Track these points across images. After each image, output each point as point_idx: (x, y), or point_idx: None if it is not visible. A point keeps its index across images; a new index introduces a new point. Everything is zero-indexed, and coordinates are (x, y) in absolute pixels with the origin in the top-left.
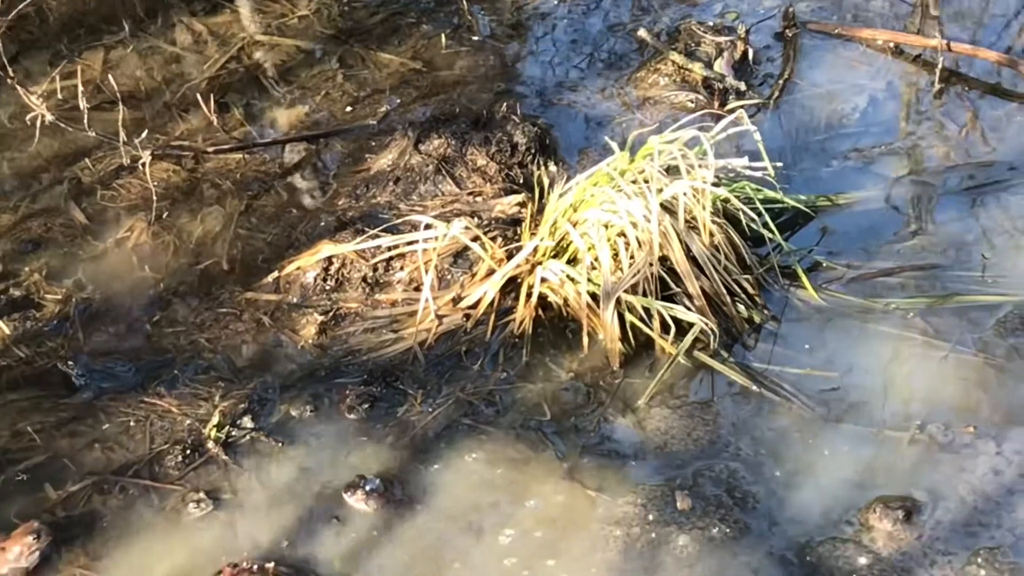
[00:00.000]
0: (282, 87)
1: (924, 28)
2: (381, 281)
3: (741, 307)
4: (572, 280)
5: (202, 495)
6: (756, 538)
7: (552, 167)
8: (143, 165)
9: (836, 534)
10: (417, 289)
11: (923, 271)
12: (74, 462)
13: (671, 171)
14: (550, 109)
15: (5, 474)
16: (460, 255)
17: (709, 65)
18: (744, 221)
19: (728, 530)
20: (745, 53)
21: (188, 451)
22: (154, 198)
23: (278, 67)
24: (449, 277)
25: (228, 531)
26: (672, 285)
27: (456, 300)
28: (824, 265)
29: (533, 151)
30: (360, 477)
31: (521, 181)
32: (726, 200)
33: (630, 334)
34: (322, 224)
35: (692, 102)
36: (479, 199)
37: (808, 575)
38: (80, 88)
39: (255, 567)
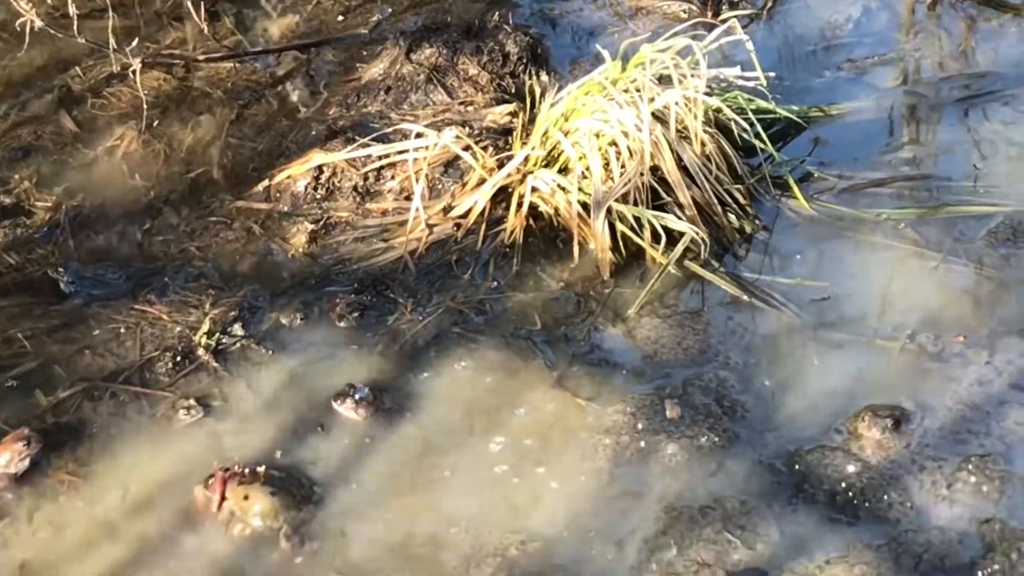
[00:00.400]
0: None
1: None
2: (372, 190)
3: (732, 217)
4: (563, 189)
5: (192, 402)
6: (745, 447)
7: (544, 77)
8: (133, 73)
9: (825, 443)
10: (408, 198)
11: (915, 181)
12: (64, 368)
13: (663, 80)
14: (542, 19)
15: None
16: (451, 165)
17: None
18: (736, 131)
19: (717, 439)
20: None
21: (178, 358)
22: (145, 106)
23: None
24: (440, 187)
25: (218, 437)
26: (663, 195)
27: (447, 209)
28: (816, 175)
29: (525, 61)
30: (349, 386)
31: (513, 91)
32: (718, 110)
33: (621, 244)
34: (313, 133)
35: (685, 12)
36: (470, 108)
37: (797, 483)
38: None
39: (246, 471)
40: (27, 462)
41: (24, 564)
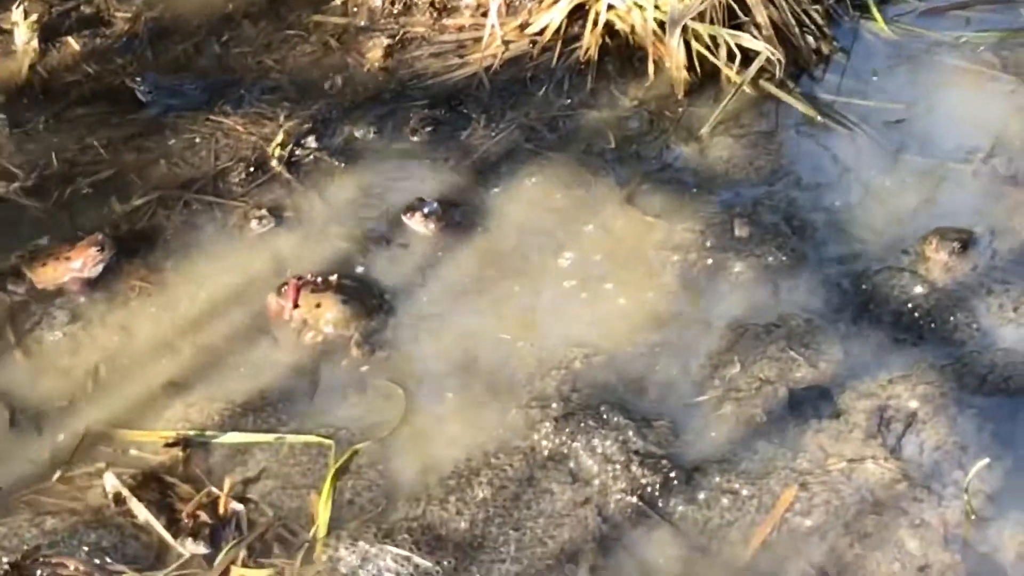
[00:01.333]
0: None
1: None
2: (448, 6)
3: (809, 38)
4: (639, 7)
5: (264, 212)
6: (812, 266)
7: None
8: None
9: (892, 264)
10: (484, 15)
11: (996, 4)
12: (140, 177)
13: None
14: None
15: (73, 186)
16: None
17: None
18: None
19: (784, 258)
20: None
21: (252, 169)
22: None
23: None
24: (517, 3)
25: (290, 247)
26: (740, 14)
27: (523, 26)
28: None
29: None
30: (419, 200)
31: None
32: None
33: (696, 63)
34: None
35: None
36: None
37: (863, 303)
38: None
39: (319, 280)
40: (100, 267)
41: (96, 366)
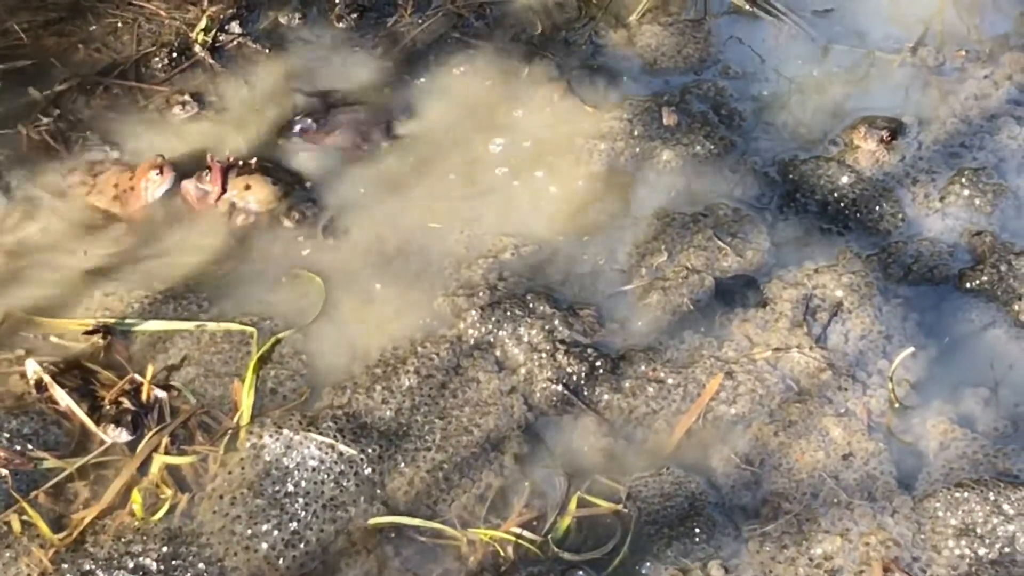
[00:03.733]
0: None
1: None
2: None
3: None
4: None
5: (187, 97)
6: (740, 155)
7: None
8: None
9: (820, 153)
10: None
11: None
12: (60, 62)
13: None
14: None
15: None
16: None
17: None
18: None
19: (712, 147)
20: None
21: (175, 55)
22: None
23: None
24: None
25: (213, 131)
26: None
27: None
28: None
29: None
30: (291, 121)
31: None
32: None
33: None
34: None
35: None
36: None
37: (790, 192)
38: None
39: (240, 161)
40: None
41: (14, 251)
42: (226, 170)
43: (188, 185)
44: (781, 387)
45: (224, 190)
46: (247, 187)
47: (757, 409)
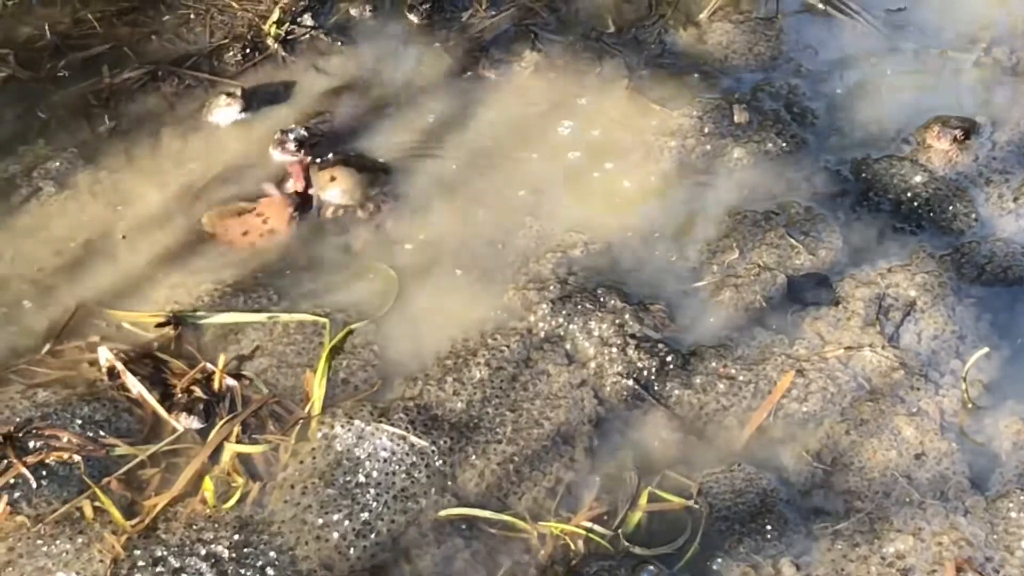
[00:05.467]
0: None
1: None
2: None
3: None
4: None
5: (255, 91)
6: (812, 153)
7: None
8: None
9: (893, 152)
10: None
11: None
12: (133, 52)
13: None
14: None
15: (65, 59)
16: None
17: None
18: None
19: (784, 144)
20: None
21: (248, 49)
22: None
23: None
24: None
25: (284, 126)
26: None
27: None
28: None
29: None
30: (283, 131)
31: None
32: None
33: None
34: None
35: None
36: None
37: (863, 191)
38: None
39: (319, 159)
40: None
41: (87, 240)
42: (305, 167)
43: (268, 189)
44: (853, 386)
45: (308, 186)
46: (332, 179)
47: (829, 407)
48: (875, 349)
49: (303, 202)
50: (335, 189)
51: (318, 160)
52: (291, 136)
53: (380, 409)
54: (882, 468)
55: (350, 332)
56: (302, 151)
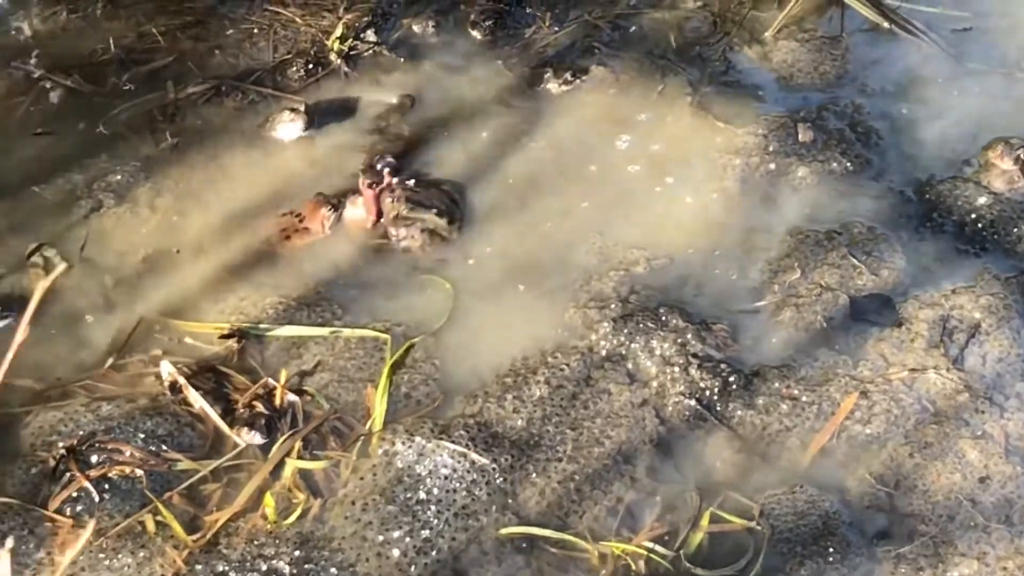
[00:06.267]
0: None
1: None
2: None
3: None
4: None
5: (319, 106)
6: (876, 173)
7: None
8: None
9: (957, 173)
10: None
11: None
12: (197, 66)
13: None
14: None
15: (130, 73)
16: None
17: None
18: None
19: (849, 164)
20: None
21: (310, 64)
22: None
23: None
24: None
25: (349, 142)
26: None
27: None
28: None
29: None
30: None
31: None
32: None
33: None
34: None
35: None
36: None
37: (927, 212)
38: None
39: (394, 181)
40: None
41: (151, 254)
42: (377, 196)
43: (346, 213)
44: (917, 408)
45: (380, 216)
46: (406, 221)
47: (892, 429)
48: (939, 371)
49: (377, 219)
50: (406, 228)
51: (392, 183)
52: (379, 166)
53: (441, 426)
54: (946, 491)
55: (411, 346)
56: (388, 178)
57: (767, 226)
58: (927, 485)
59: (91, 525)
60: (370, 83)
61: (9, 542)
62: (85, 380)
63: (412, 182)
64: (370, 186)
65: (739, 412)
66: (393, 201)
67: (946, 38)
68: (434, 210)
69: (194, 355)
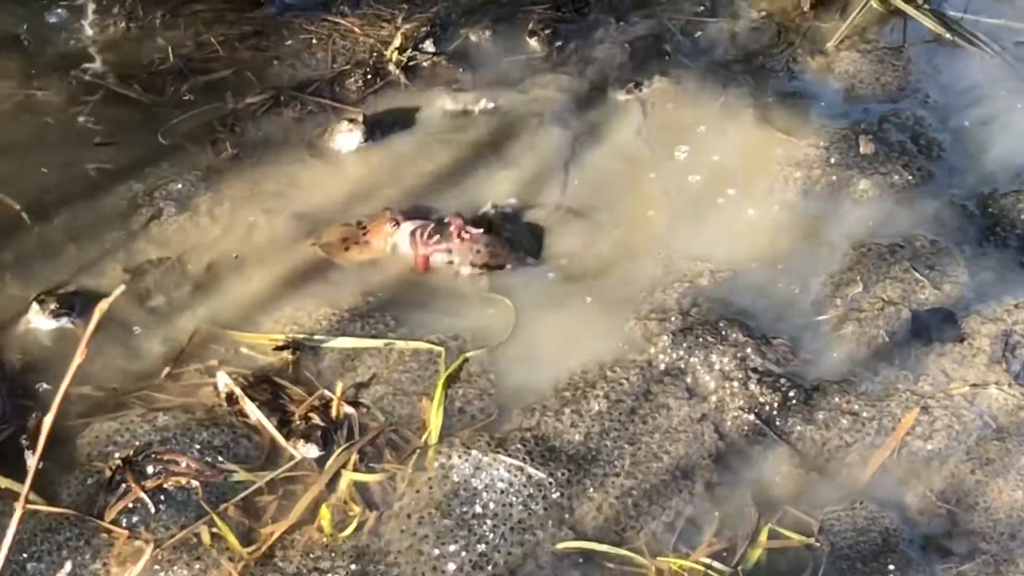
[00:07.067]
0: None
1: None
2: None
3: None
4: None
5: (380, 118)
6: (938, 186)
7: None
8: None
9: (1020, 186)
10: None
11: None
12: (255, 76)
13: None
14: None
15: (188, 83)
16: None
17: None
18: None
19: (910, 177)
20: None
21: (369, 74)
22: None
23: None
24: None
25: (406, 154)
26: None
27: None
28: None
29: None
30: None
31: None
32: None
33: None
34: None
35: None
36: None
37: (989, 226)
38: None
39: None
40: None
41: (208, 264)
42: (428, 260)
43: (415, 251)
44: (979, 424)
45: (427, 268)
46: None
47: (953, 446)
48: (1001, 387)
49: (424, 269)
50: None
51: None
52: (447, 220)
53: (497, 439)
54: (1008, 509)
55: (466, 360)
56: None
57: (829, 239)
58: (988, 502)
59: (150, 549)
60: (429, 94)
61: (68, 566)
62: (141, 390)
63: (484, 240)
64: (412, 234)
65: (798, 427)
66: (462, 259)
67: (1009, 50)
68: (508, 266)
69: (250, 366)
